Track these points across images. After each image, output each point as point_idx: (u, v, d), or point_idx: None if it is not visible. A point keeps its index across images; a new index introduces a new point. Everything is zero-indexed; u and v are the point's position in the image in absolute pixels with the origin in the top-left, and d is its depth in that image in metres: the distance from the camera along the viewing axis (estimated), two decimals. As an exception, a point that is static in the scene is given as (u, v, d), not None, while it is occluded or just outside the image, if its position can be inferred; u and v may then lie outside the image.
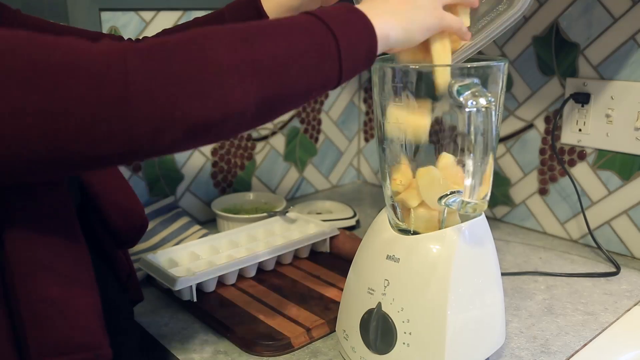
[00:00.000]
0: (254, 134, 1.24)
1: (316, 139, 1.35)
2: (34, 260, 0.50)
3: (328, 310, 0.79)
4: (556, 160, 1.05)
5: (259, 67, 0.47)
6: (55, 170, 0.45)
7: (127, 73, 0.43)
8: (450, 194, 0.62)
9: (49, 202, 0.52)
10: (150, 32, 1.03)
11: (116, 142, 0.43)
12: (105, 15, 0.98)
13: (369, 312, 0.64)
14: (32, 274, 0.50)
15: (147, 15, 1.02)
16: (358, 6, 0.55)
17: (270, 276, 0.91)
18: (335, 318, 0.73)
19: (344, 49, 0.51)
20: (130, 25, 1.01)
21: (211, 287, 0.86)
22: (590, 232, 0.99)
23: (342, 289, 0.72)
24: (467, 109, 0.56)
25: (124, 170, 1.06)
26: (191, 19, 1.07)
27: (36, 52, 0.42)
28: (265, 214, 1.06)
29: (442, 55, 0.60)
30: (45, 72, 0.41)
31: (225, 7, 0.77)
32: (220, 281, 0.88)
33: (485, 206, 0.61)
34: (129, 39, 0.44)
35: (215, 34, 0.47)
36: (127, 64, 0.43)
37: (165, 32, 0.79)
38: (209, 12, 1.10)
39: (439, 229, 0.64)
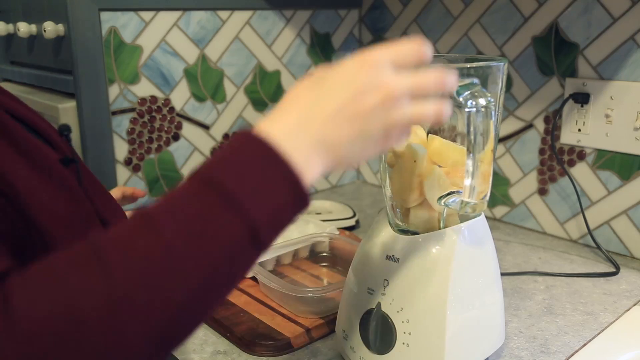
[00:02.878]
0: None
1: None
2: None
3: (328, 310, 0.79)
4: (556, 160, 1.05)
5: (150, 314, 0.36)
6: None
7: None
8: (449, 194, 0.62)
9: None
10: (150, 32, 1.03)
11: None
12: (104, 15, 0.98)
13: (369, 312, 0.64)
14: None
15: (146, 15, 1.02)
16: (278, 119, 0.42)
17: (270, 276, 0.91)
18: (335, 318, 0.73)
19: (264, 231, 0.40)
20: (129, 25, 1.01)
21: (211, 287, 0.86)
22: (590, 232, 0.99)
23: (341, 289, 0.72)
24: (466, 109, 0.56)
25: (124, 170, 1.06)
26: (190, 19, 1.07)
27: None
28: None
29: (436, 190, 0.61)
30: None
31: None
32: (220, 281, 0.87)
33: (485, 206, 0.61)
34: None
35: (79, 282, 0.36)
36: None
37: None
38: (208, 12, 1.10)
39: (439, 229, 0.64)
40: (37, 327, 0.34)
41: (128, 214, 0.90)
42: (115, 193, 0.83)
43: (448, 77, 0.46)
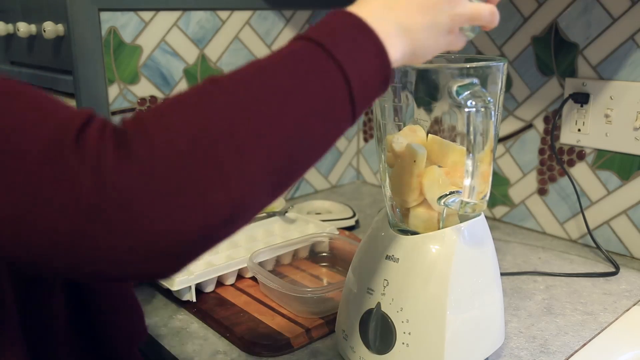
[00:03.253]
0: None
1: (315, 139, 1.35)
2: None
3: (327, 310, 0.79)
4: (555, 160, 1.05)
5: (265, 140, 0.39)
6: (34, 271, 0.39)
7: (101, 172, 0.35)
8: (449, 194, 0.62)
9: None
10: (149, 32, 1.03)
11: (87, 263, 0.35)
12: (104, 15, 0.98)
13: (368, 312, 0.64)
14: None
15: (146, 15, 1.02)
16: (363, 4, 0.46)
17: (270, 276, 0.91)
18: (335, 318, 0.73)
19: (357, 89, 0.43)
20: (129, 25, 1.01)
21: (210, 287, 0.86)
22: (590, 232, 0.99)
23: (341, 289, 0.72)
24: (466, 109, 0.56)
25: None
26: (190, 19, 1.07)
27: None
28: (264, 214, 1.06)
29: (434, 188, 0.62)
30: None
31: None
32: (220, 281, 0.88)
33: (485, 206, 0.61)
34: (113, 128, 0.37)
35: (203, 111, 0.39)
36: (103, 161, 0.35)
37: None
38: (208, 12, 1.10)
39: (439, 229, 0.64)
40: (161, 149, 0.36)
41: None
42: None
43: None
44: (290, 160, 0.41)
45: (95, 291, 0.56)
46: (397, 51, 0.46)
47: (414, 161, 0.62)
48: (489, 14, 0.53)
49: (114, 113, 1.03)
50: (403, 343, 0.62)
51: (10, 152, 0.35)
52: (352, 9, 0.46)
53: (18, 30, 1.05)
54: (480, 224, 0.66)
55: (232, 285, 0.88)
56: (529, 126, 1.08)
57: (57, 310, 0.53)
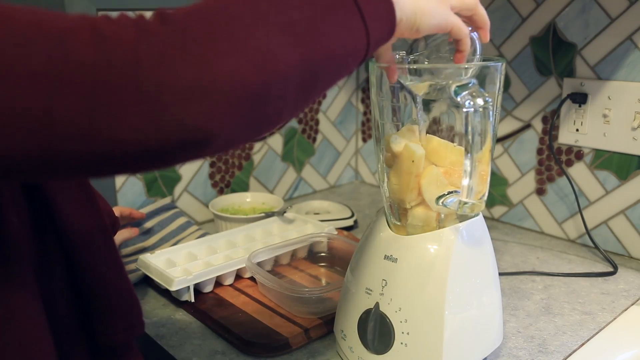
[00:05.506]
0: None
1: (314, 139, 1.35)
2: None
3: (326, 310, 0.79)
4: (553, 160, 1.05)
5: (295, 28, 0.41)
6: (51, 169, 0.39)
7: (138, 31, 0.37)
8: (447, 194, 0.62)
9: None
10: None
11: (129, 124, 0.36)
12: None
13: (367, 312, 0.64)
14: None
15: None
16: None
17: (268, 276, 0.91)
18: (333, 318, 0.73)
19: (370, 29, 0.47)
20: (127, 25, 1.01)
21: (209, 288, 0.86)
22: (588, 232, 1.00)
23: (340, 289, 0.72)
24: (464, 109, 0.56)
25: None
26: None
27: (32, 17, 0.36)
28: (263, 214, 1.06)
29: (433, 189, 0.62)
30: (40, 34, 0.35)
31: None
32: (218, 281, 0.87)
33: (483, 206, 0.61)
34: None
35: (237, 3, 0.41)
36: (139, 23, 0.37)
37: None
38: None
39: (437, 229, 0.64)
40: (196, 18, 0.38)
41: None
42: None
43: None
44: (312, 66, 0.42)
45: (91, 278, 0.56)
46: (402, 8, 0.50)
47: (413, 161, 0.62)
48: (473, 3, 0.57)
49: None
50: (401, 343, 0.62)
51: (45, 30, 0.35)
52: None
53: (16, 30, 1.05)
54: (478, 224, 0.66)
55: (230, 285, 0.88)
56: (527, 126, 1.08)
57: (56, 296, 0.53)
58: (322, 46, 0.43)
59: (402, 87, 0.63)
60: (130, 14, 0.39)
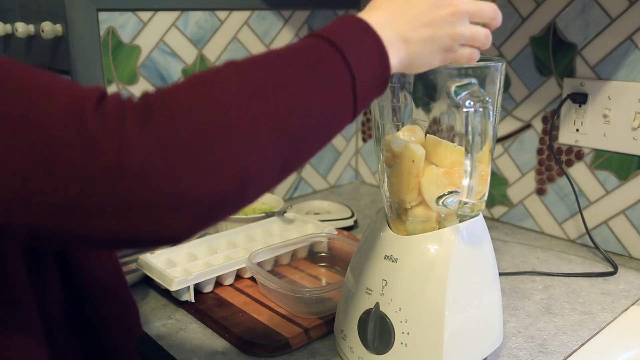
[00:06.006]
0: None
1: (314, 139, 1.35)
2: None
3: (326, 310, 0.79)
4: (554, 160, 1.05)
5: (276, 122, 0.42)
6: (39, 241, 0.41)
7: (123, 136, 0.37)
8: (448, 194, 0.62)
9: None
10: (148, 32, 1.03)
11: (104, 224, 0.37)
12: (102, 15, 0.98)
13: (367, 312, 0.64)
14: None
15: (144, 15, 1.02)
16: (371, 13, 0.50)
17: (268, 276, 0.91)
18: (334, 318, 0.73)
19: (360, 87, 0.47)
20: (127, 25, 1.01)
21: (209, 288, 0.86)
22: (588, 232, 0.99)
23: (340, 289, 0.72)
24: (464, 110, 0.56)
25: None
26: (189, 19, 1.07)
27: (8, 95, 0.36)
28: (263, 215, 1.06)
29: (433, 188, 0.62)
30: (15, 125, 0.36)
31: None
32: (218, 281, 0.87)
33: (483, 206, 0.61)
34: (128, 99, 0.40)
35: (223, 89, 0.41)
36: (124, 126, 0.37)
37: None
38: (207, 12, 1.10)
39: (437, 229, 0.64)
40: (181, 120, 0.39)
41: None
42: None
43: (499, 14, 0.57)
44: (296, 144, 0.44)
45: (87, 282, 0.56)
46: (395, 58, 0.50)
47: (413, 161, 0.62)
48: (484, 37, 0.56)
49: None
50: (402, 343, 0.62)
51: (31, 121, 0.36)
52: (361, 15, 0.50)
53: (16, 30, 1.05)
54: (478, 224, 0.66)
55: (230, 285, 0.88)
56: (528, 126, 1.08)
57: (53, 301, 0.53)
58: (306, 137, 0.45)
59: (402, 87, 0.63)
60: (124, 93, 0.40)
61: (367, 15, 0.50)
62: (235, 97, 0.41)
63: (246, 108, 0.41)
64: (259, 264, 0.87)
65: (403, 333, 0.62)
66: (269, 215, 1.05)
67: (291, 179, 1.33)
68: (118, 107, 0.38)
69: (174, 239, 0.40)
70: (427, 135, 0.64)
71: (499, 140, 1.12)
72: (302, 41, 0.48)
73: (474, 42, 0.55)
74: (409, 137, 0.64)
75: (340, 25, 0.49)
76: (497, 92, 0.62)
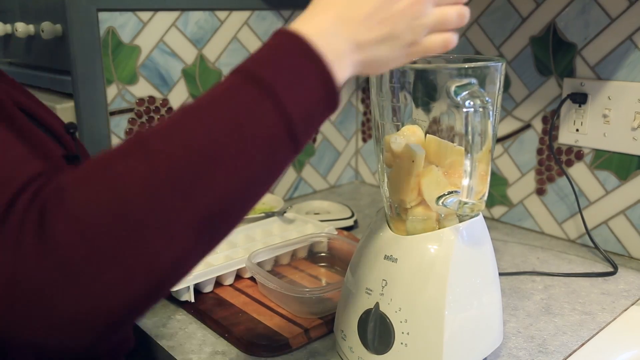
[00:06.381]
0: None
1: (314, 139, 1.35)
2: None
3: (326, 310, 0.79)
4: (554, 160, 1.05)
5: (195, 207, 0.37)
6: None
7: (17, 257, 0.34)
8: (447, 194, 0.62)
9: None
10: (148, 32, 1.03)
11: (15, 335, 0.36)
12: (102, 15, 0.98)
13: (367, 312, 0.64)
14: None
15: (144, 15, 1.02)
16: (313, 19, 0.44)
17: (268, 276, 0.91)
18: (333, 318, 0.73)
19: (300, 124, 0.41)
20: (127, 25, 1.01)
21: (209, 288, 0.86)
22: (588, 232, 1.00)
23: (340, 289, 0.72)
24: (464, 110, 0.56)
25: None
26: (189, 19, 1.07)
27: None
28: (263, 215, 1.06)
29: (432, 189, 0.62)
30: None
31: None
32: (218, 281, 0.87)
33: (483, 206, 0.61)
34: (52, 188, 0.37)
35: (128, 180, 0.36)
36: (22, 243, 0.34)
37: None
38: (207, 12, 1.10)
39: (437, 229, 0.64)
40: (84, 210, 0.35)
41: None
42: None
43: None
44: (225, 216, 0.40)
45: None
46: (347, 69, 0.45)
47: (413, 161, 0.62)
48: (457, 17, 0.49)
49: (112, 113, 1.03)
50: (402, 343, 0.62)
51: None
52: (302, 24, 0.44)
53: (16, 30, 1.05)
54: (478, 224, 0.66)
55: (230, 285, 0.88)
56: (527, 126, 1.08)
57: None
58: (233, 206, 0.41)
59: (402, 87, 0.63)
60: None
61: (309, 22, 0.44)
62: (142, 190, 0.36)
63: (156, 202, 0.36)
64: (259, 264, 0.87)
65: (403, 333, 0.62)
66: (268, 215, 1.05)
67: (291, 179, 1.33)
68: (20, 214, 0.35)
69: (91, 348, 0.37)
70: (427, 135, 0.64)
71: (499, 140, 1.12)
72: (227, 87, 0.41)
73: (444, 26, 0.49)
74: (409, 137, 0.64)
75: (274, 52, 0.42)
76: (497, 92, 0.62)
